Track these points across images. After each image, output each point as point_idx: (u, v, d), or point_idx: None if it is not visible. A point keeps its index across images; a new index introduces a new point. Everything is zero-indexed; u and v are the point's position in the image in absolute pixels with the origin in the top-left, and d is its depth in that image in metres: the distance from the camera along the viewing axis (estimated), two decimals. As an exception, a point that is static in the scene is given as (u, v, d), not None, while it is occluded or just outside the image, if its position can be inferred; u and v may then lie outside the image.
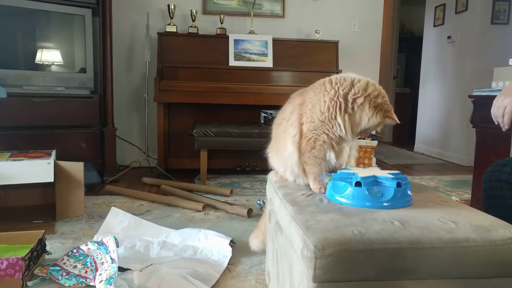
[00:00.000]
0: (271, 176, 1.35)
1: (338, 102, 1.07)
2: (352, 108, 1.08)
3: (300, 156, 1.14)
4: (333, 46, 3.73)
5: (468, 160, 4.11)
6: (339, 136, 1.10)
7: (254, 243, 1.52)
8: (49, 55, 2.96)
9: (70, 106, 2.89)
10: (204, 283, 1.41)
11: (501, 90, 1.37)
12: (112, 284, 1.31)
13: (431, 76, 5.10)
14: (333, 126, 1.09)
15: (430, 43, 5.15)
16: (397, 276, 0.81)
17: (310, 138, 1.11)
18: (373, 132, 1.13)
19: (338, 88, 1.09)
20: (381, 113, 1.07)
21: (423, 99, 5.30)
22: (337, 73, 3.71)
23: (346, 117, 1.08)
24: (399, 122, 1.10)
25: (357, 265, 0.78)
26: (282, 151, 1.20)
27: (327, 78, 1.13)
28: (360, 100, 1.07)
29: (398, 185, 0.98)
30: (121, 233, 1.86)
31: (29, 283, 1.42)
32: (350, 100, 1.08)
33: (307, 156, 1.12)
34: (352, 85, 1.09)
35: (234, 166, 3.34)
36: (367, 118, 1.07)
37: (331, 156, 1.14)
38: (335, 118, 1.08)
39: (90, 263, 1.53)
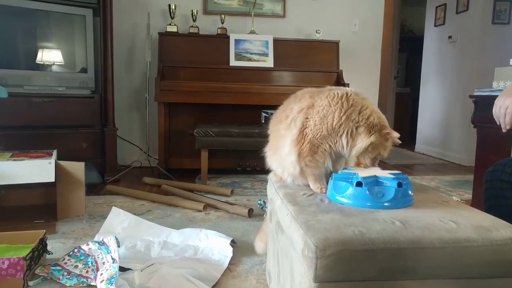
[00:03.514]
0: (271, 176, 1.35)
1: (350, 125, 1.10)
2: (356, 133, 1.11)
3: (299, 159, 1.14)
4: (333, 46, 3.73)
5: (469, 160, 4.10)
6: (339, 151, 1.13)
7: (260, 246, 1.51)
8: (50, 55, 2.97)
9: (71, 106, 2.89)
10: (205, 283, 1.41)
11: (502, 90, 1.37)
12: (113, 284, 1.31)
13: (432, 76, 5.10)
14: (336, 142, 1.11)
15: (431, 43, 5.15)
16: (398, 276, 0.81)
17: (315, 144, 1.12)
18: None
19: (353, 112, 1.10)
20: (376, 133, 1.09)
21: (423, 99, 5.30)
22: (338, 73, 3.69)
23: (350, 139, 1.11)
24: (399, 140, 1.12)
25: (358, 265, 0.79)
26: (281, 150, 1.21)
27: (342, 92, 1.14)
28: (361, 129, 1.10)
29: (399, 185, 0.98)
30: (122, 233, 1.86)
31: (30, 283, 1.42)
32: (355, 127, 1.10)
33: (309, 159, 1.13)
34: (360, 112, 1.11)
35: (235, 166, 3.34)
36: (363, 144, 1.09)
37: (328, 164, 1.16)
38: (341, 136, 1.10)
39: (91, 263, 1.53)
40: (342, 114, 1.10)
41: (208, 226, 2.07)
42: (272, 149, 1.27)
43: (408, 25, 7.10)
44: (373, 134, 1.09)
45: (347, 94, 1.13)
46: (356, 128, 1.10)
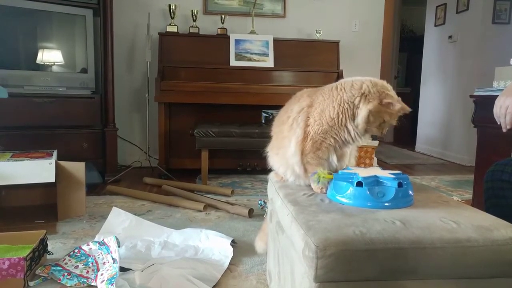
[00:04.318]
0: (272, 176, 1.35)
1: (345, 108, 1.09)
2: (355, 108, 1.10)
3: (302, 157, 1.14)
4: (334, 46, 3.73)
5: (470, 160, 4.10)
6: (346, 140, 1.12)
7: (260, 245, 1.51)
8: (50, 55, 2.97)
9: (71, 106, 2.89)
10: (205, 283, 1.41)
11: (503, 90, 1.37)
12: (114, 284, 1.31)
13: (432, 76, 5.09)
14: (341, 131, 1.11)
15: (431, 43, 5.15)
16: (399, 276, 0.81)
17: (317, 141, 1.12)
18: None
19: (343, 94, 1.11)
20: (374, 102, 1.07)
21: (424, 99, 5.30)
22: (338, 73, 3.70)
23: (353, 120, 1.10)
24: (399, 105, 1.08)
25: (358, 265, 0.78)
26: (284, 150, 1.21)
27: (334, 84, 1.15)
28: (357, 101, 1.09)
29: (400, 185, 0.98)
30: (122, 233, 1.86)
31: (31, 283, 1.42)
32: (352, 104, 1.09)
33: (311, 156, 1.13)
34: (352, 86, 1.11)
35: (235, 166, 3.34)
36: (362, 114, 1.08)
37: (333, 158, 1.16)
38: (345, 124, 1.10)
39: (92, 263, 1.53)
40: (334, 102, 1.10)
41: (208, 226, 2.07)
42: (274, 149, 1.27)
43: (408, 25, 7.10)
44: (371, 102, 1.07)
45: (336, 84, 1.15)
46: (353, 103, 1.09)
